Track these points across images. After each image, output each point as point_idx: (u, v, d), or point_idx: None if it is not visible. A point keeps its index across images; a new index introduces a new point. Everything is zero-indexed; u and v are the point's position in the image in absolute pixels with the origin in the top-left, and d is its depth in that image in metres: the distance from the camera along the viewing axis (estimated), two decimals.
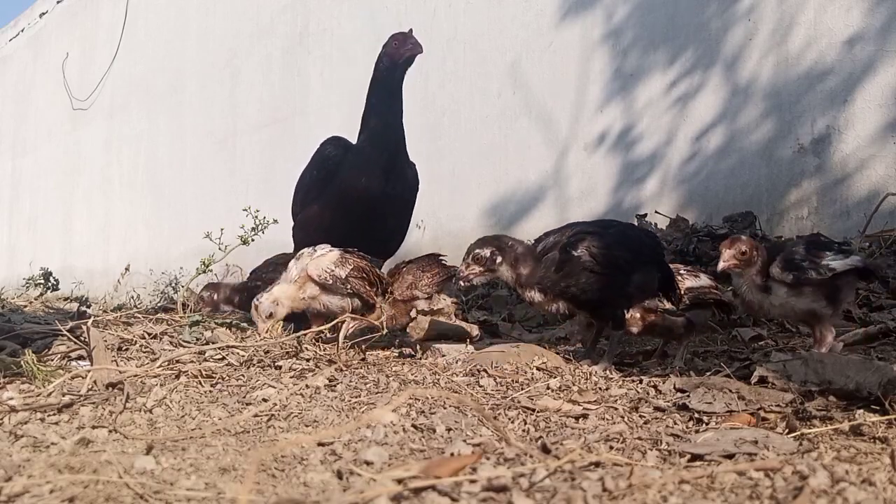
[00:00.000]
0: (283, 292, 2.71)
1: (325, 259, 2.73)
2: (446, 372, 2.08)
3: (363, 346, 2.43)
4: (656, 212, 4.17)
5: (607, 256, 2.03)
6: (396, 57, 3.29)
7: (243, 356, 2.29)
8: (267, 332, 2.65)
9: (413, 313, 2.75)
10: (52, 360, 2.33)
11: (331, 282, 2.68)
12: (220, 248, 3.83)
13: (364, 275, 2.73)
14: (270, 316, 2.67)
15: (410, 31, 3.36)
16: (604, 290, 2.05)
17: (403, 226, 3.52)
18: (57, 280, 7.04)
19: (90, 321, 2.51)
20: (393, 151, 3.27)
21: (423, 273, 2.75)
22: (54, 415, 1.66)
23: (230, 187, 7.16)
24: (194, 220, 7.21)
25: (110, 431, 1.53)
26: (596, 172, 4.61)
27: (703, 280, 2.34)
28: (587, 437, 1.41)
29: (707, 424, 1.49)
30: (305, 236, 3.29)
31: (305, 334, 2.54)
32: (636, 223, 4.19)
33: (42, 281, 6.92)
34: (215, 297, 3.60)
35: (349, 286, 2.69)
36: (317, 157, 3.49)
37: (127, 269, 6.05)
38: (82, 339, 2.37)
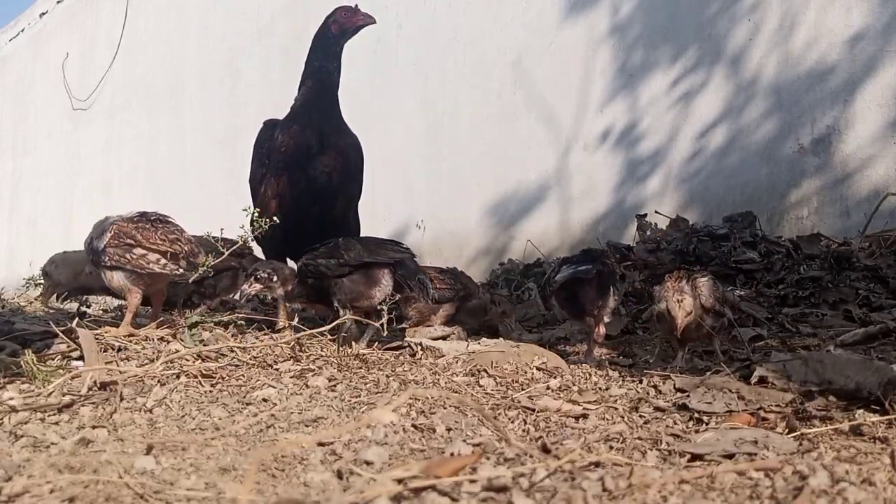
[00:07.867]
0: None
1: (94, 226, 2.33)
2: (446, 372, 2.08)
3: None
4: (656, 212, 4.17)
5: (313, 266, 2.58)
6: (348, 25, 3.35)
7: (244, 358, 2.28)
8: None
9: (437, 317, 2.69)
10: (52, 360, 2.33)
11: (89, 257, 2.31)
12: (220, 248, 3.81)
13: (134, 241, 2.31)
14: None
15: (356, 6, 3.41)
16: (321, 291, 2.58)
17: (354, 196, 3.48)
18: None
19: (75, 321, 2.51)
20: (326, 109, 3.31)
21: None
22: (54, 415, 1.66)
23: (230, 187, 7.13)
24: (194, 220, 7.18)
25: (110, 431, 1.53)
26: (597, 172, 4.61)
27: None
28: (587, 437, 1.40)
29: (707, 424, 1.49)
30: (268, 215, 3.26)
31: (305, 335, 2.52)
32: (636, 223, 4.19)
33: (42, 281, 6.89)
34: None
35: (107, 259, 2.26)
36: (255, 145, 3.60)
37: None
38: (78, 340, 2.36)
